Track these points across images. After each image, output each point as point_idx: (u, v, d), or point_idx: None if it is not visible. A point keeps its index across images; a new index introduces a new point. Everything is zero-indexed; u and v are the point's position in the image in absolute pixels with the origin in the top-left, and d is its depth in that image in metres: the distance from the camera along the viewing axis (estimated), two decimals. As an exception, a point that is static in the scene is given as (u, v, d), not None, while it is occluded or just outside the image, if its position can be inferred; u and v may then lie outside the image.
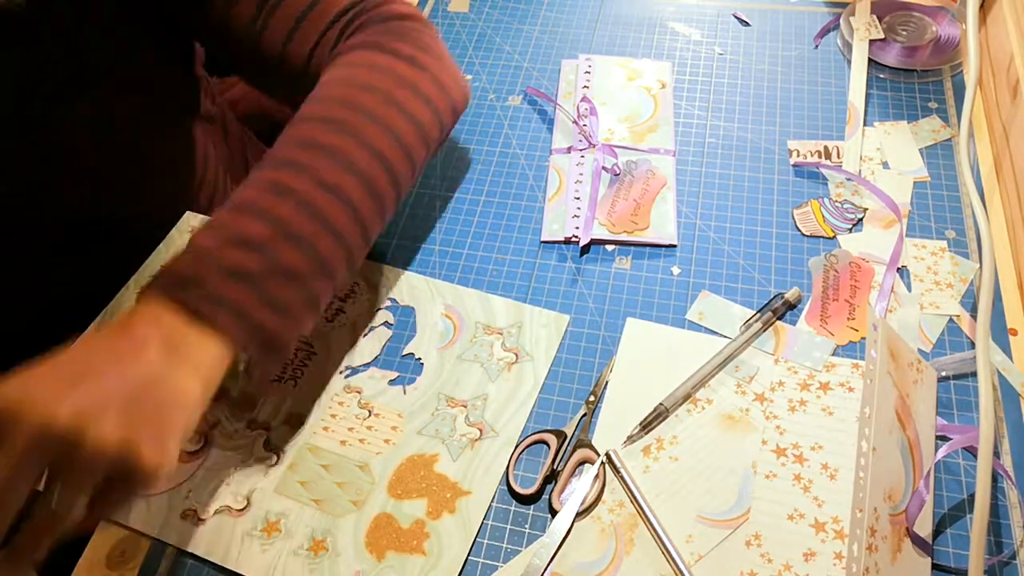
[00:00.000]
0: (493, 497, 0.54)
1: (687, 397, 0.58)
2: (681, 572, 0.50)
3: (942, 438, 0.55)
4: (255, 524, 0.53)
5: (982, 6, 0.79)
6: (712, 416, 0.57)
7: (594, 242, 0.68)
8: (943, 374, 0.58)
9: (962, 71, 0.78)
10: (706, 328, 0.62)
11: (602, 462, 0.55)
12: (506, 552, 0.53)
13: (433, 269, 0.68)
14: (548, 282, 0.66)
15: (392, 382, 0.60)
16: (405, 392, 0.59)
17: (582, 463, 0.55)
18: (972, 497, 0.50)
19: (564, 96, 0.80)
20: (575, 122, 0.77)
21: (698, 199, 0.71)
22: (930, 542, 0.50)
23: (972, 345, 0.59)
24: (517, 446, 0.56)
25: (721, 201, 0.70)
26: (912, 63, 0.79)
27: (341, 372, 0.61)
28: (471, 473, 0.55)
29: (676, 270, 0.66)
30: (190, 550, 0.53)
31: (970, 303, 0.62)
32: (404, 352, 0.62)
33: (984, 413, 0.52)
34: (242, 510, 0.54)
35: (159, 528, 0.54)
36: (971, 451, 0.54)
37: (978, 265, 0.64)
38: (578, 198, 0.71)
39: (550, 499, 0.54)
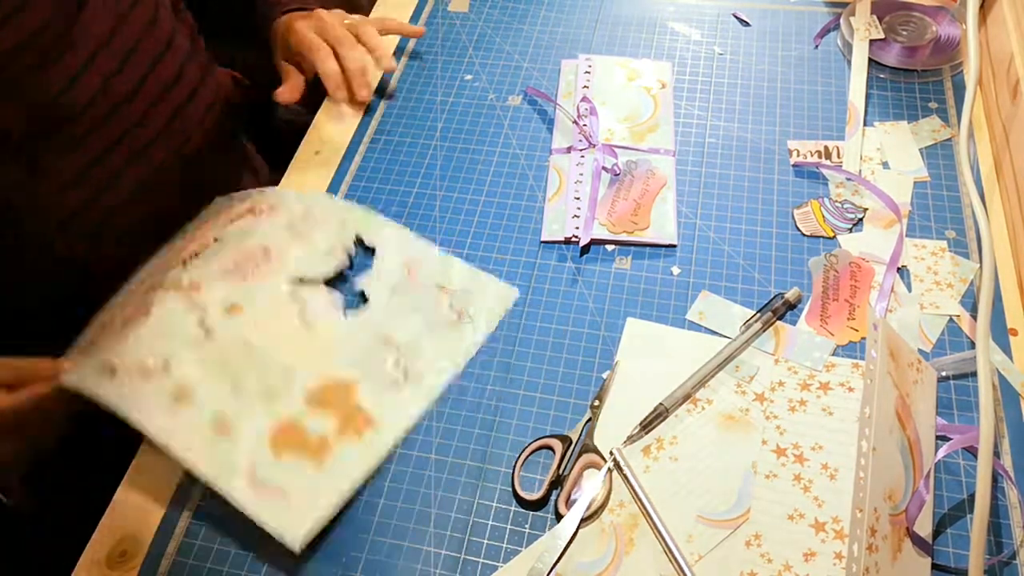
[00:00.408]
0: (398, 443, 0.56)
1: (687, 397, 0.58)
2: (683, 572, 0.50)
3: (942, 438, 0.55)
4: (169, 388, 0.54)
5: (982, 6, 0.79)
6: (712, 416, 0.57)
7: (594, 242, 0.68)
8: (943, 374, 0.58)
9: (962, 71, 0.78)
10: (706, 328, 0.62)
11: (609, 468, 0.55)
12: (506, 552, 0.53)
13: (433, 269, 0.68)
14: (548, 282, 0.66)
15: (335, 306, 0.62)
16: (345, 318, 0.61)
17: (588, 468, 0.55)
18: (972, 497, 0.50)
19: (564, 96, 0.80)
20: (575, 122, 0.77)
21: (698, 199, 0.71)
22: (930, 542, 0.50)
23: (972, 345, 0.59)
24: (522, 451, 0.56)
25: (721, 201, 0.70)
26: (912, 63, 0.79)
27: (291, 281, 0.63)
28: (385, 411, 0.56)
29: (676, 270, 0.66)
30: (101, 398, 0.54)
31: (970, 303, 0.62)
32: (356, 285, 0.64)
33: (984, 413, 0.52)
34: (159, 372, 0.55)
35: (78, 377, 0.55)
36: (971, 451, 0.54)
37: (978, 265, 0.64)
38: (578, 198, 0.71)
39: (556, 504, 0.54)
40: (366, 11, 0.94)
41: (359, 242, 0.68)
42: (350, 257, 0.66)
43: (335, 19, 0.80)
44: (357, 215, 0.69)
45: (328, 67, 0.77)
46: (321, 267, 0.64)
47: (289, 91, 0.79)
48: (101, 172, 0.64)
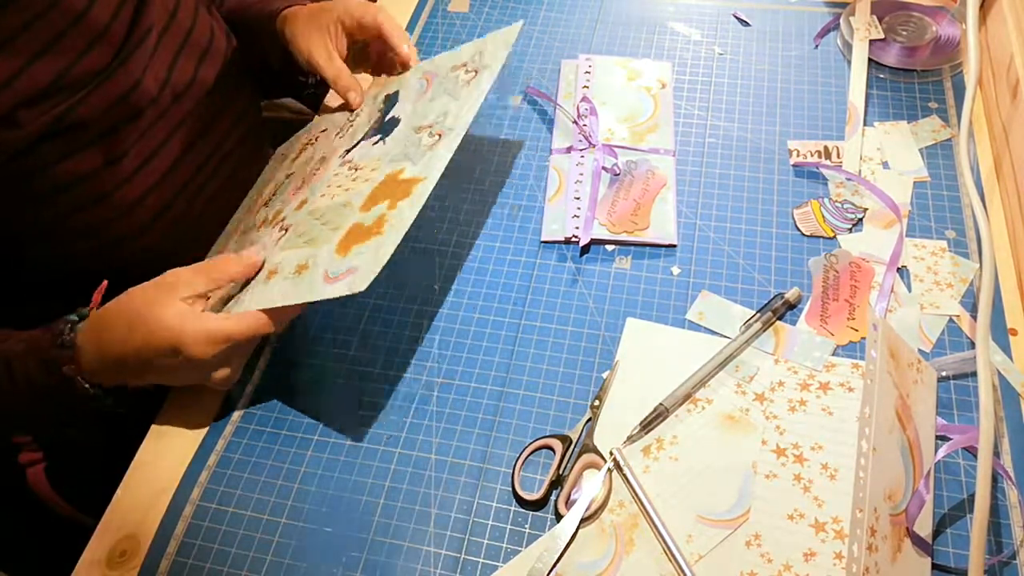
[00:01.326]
0: (442, 179, 0.57)
1: (687, 397, 0.58)
2: (683, 572, 0.50)
3: (942, 438, 0.55)
4: (262, 276, 0.60)
5: (982, 6, 0.79)
6: (712, 416, 0.57)
7: (594, 242, 0.68)
8: (943, 374, 0.58)
9: (962, 71, 0.78)
10: (706, 328, 0.62)
11: (609, 468, 0.55)
12: (506, 552, 0.53)
13: (433, 269, 0.68)
14: (548, 282, 0.66)
15: (375, 143, 0.66)
16: (385, 143, 0.65)
17: (588, 468, 0.55)
18: (972, 497, 0.50)
19: (564, 96, 0.80)
20: (575, 122, 0.77)
21: (698, 199, 0.71)
22: (930, 542, 0.50)
23: (972, 345, 0.59)
24: (522, 451, 0.56)
25: (721, 201, 0.70)
26: (912, 63, 0.79)
27: (340, 157, 0.68)
28: (426, 167, 0.59)
29: (676, 270, 0.66)
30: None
31: (970, 303, 0.62)
32: (387, 118, 0.68)
33: (984, 413, 0.52)
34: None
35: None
36: (971, 451, 0.54)
37: (978, 265, 0.64)
38: (578, 198, 0.71)
39: (556, 504, 0.54)
40: (366, 11, 0.94)
41: (388, 99, 0.72)
42: (380, 112, 0.71)
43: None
44: (378, 87, 0.74)
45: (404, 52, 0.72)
46: (360, 134, 0.69)
47: (359, 96, 0.74)
48: (159, 163, 0.68)
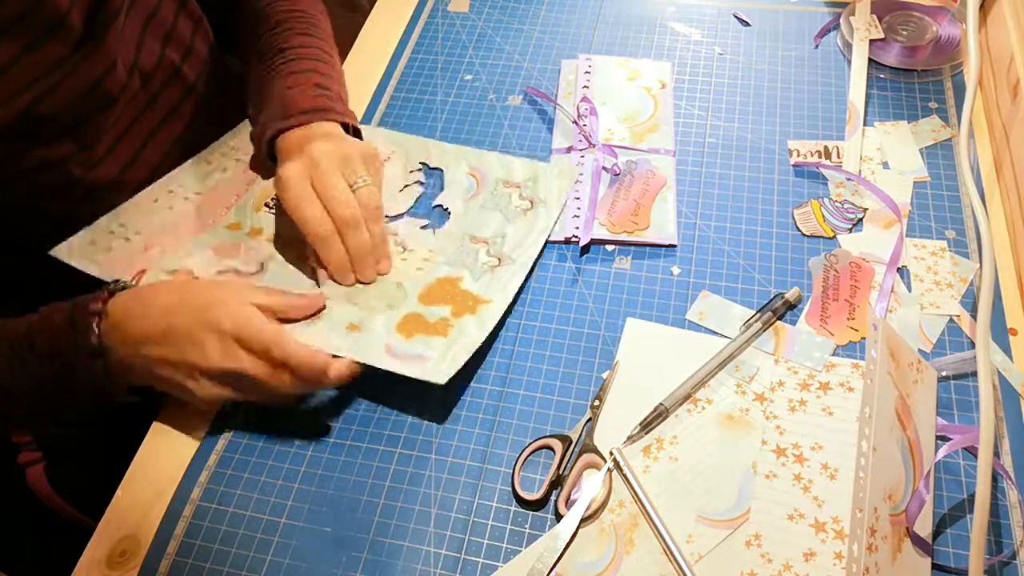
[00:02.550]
0: (508, 311, 0.62)
1: (687, 397, 0.58)
2: (683, 572, 0.50)
3: (942, 438, 0.55)
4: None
5: (982, 6, 0.79)
6: (712, 416, 0.57)
7: (594, 242, 0.68)
8: (943, 374, 0.58)
9: (962, 71, 0.78)
10: (706, 328, 0.62)
11: (609, 468, 0.55)
12: (506, 552, 0.53)
13: (433, 269, 0.68)
14: (548, 282, 0.66)
15: (423, 227, 0.69)
16: (435, 234, 0.68)
17: (588, 468, 0.55)
18: (972, 497, 0.50)
19: (564, 96, 0.80)
20: (575, 122, 0.77)
21: (698, 199, 0.71)
22: (930, 542, 0.50)
23: (972, 345, 0.59)
24: (523, 451, 0.56)
25: (721, 201, 0.70)
26: (912, 63, 0.79)
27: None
28: (491, 289, 0.63)
29: (676, 270, 0.66)
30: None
31: (970, 303, 0.62)
32: (434, 204, 0.71)
33: (984, 413, 0.52)
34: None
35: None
36: (971, 451, 0.54)
37: (978, 265, 0.64)
38: (578, 198, 0.71)
39: (556, 504, 0.54)
40: (366, 11, 0.94)
41: (424, 165, 0.74)
42: (422, 184, 0.73)
43: (333, 166, 0.64)
44: (414, 143, 0.76)
45: (335, 256, 0.63)
46: (403, 202, 0.72)
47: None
48: (128, 145, 0.70)
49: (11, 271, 0.71)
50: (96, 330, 0.55)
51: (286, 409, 0.60)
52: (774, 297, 0.62)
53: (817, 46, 0.83)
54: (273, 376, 0.55)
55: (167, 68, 0.72)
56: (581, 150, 0.75)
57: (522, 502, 0.54)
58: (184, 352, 0.55)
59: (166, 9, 0.72)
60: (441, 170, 0.74)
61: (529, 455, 0.56)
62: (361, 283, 0.64)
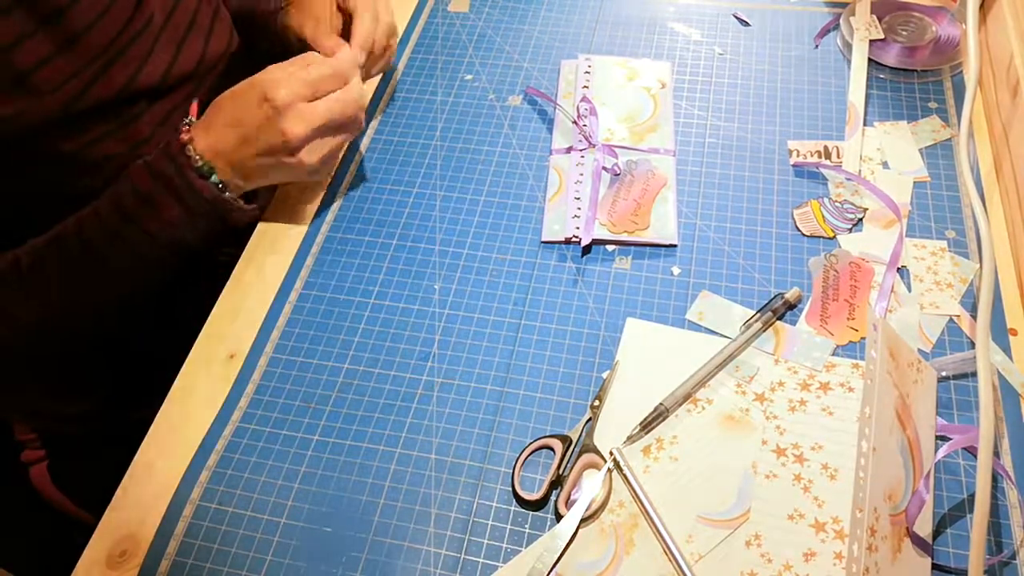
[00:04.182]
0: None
1: (687, 397, 0.58)
2: (683, 572, 0.50)
3: (942, 438, 0.55)
4: None
5: (982, 6, 0.79)
6: (712, 416, 0.57)
7: (594, 242, 0.68)
8: (943, 374, 0.58)
9: (962, 71, 0.78)
10: (706, 328, 0.62)
11: (609, 468, 0.55)
12: (506, 552, 0.53)
13: (433, 269, 0.68)
14: (548, 282, 0.66)
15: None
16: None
17: (588, 468, 0.55)
18: (972, 497, 0.50)
19: (564, 96, 0.80)
20: (575, 122, 0.77)
21: (698, 199, 0.71)
22: (930, 542, 0.50)
23: (972, 345, 0.59)
24: (523, 451, 0.56)
25: (721, 201, 0.70)
26: (912, 63, 0.79)
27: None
28: None
29: (676, 270, 0.66)
30: None
31: (970, 303, 0.62)
32: None
33: (984, 413, 0.52)
34: None
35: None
36: (971, 451, 0.54)
37: (978, 265, 0.64)
38: (578, 198, 0.71)
39: (556, 504, 0.54)
40: (366, 11, 0.94)
41: None
42: None
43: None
44: None
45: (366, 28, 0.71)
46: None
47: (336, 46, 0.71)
48: (171, 125, 0.73)
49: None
50: (196, 156, 0.61)
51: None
52: (774, 297, 0.62)
53: (817, 46, 0.83)
54: (349, 89, 0.63)
55: (208, 64, 0.76)
56: (581, 150, 0.75)
57: (522, 502, 0.54)
58: (270, 141, 0.61)
59: (203, 14, 0.76)
60: None
61: (529, 455, 0.56)
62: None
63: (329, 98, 0.63)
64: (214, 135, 0.62)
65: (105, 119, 0.67)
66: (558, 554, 0.51)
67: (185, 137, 0.62)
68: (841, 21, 0.83)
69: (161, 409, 0.62)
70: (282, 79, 0.61)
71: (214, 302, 0.67)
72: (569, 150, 0.75)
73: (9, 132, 0.60)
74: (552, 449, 0.56)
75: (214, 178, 0.62)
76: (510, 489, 0.55)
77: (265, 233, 0.72)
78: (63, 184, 0.67)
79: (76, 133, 0.65)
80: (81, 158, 0.66)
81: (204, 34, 0.75)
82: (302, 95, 0.62)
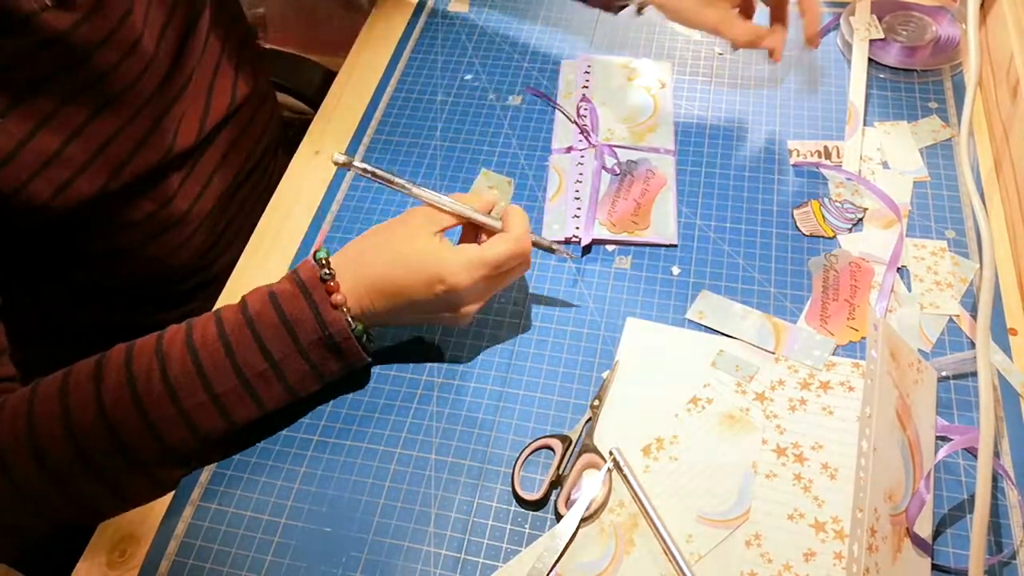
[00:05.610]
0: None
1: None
2: (683, 572, 0.50)
3: (942, 438, 0.55)
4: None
5: (982, 6, 0.79)
6: (712, 416, 0.57)
7: (594, 242, 0.68)
8: (943, 374, 0.58)
9: (962, 71, 0.78)
10: (706, 327, 0.62)
11: (609, 468, 0.55)
12: (506, 552, 0.53)
13: (433, 269, 0.68)
14: (548, 282, 0.66)
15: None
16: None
17: (587, 468, 0.55)
18: (972, 497, 0.50)
19: (564, 96, 0.80)
20: (575, 122, 0.77)
21: (698, 199, 0.71)
22: (930, 542, 0.50)
23: (972, 345, 0.59)
24: (523, 451, 0.56)
25: (721, 201, 0.70)
26: (912, 63, 0.79)
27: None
28: None
29: (676, 270, 0.66)
30: None
31: (970, 303, 0.62)
32: None
33: (984, 413, 0.52)
34: None
35: None
36: (971, 451, 0.54)
37: (978, 265, 0.64)
38: (578, 198, 0.71)
39: (556, 504, 0.54)
40: (366, 11, 0.94)
41: None
42: None
43: None
44: None
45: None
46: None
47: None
48: (197, 181, 0.74)
49: (69, 311, 0.75)
50: (354, 324, 0.56)
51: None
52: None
53: (817, 46, 0.83)
54: (514, 270, 0.58)
55: (234, 108, 0.77)
56: (581, 150, 0.75)
57: (522, 502, 0.54)
58: (412, 311, 0.57)
59: (227, 62, 0.76)
60: None
61: (529, 455, 0.56)
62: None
63: (512, 272, 0.58)
64: (368, 300, 0.56)
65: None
66: (558, 554, 0.51)
67: (345, 320, 0.55)
68: (841, 21, 0.83)
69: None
70: (459, 265, 0.55)
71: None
72: (569, 150, 0.75)
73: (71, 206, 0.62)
74: (552, 449, 0.56)
75: (358, 329, 0.57)
76: (510, 489, 0.55)
77: (265, 233, 0.73)
78: (88, 247, 0.68)
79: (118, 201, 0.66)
80: (117, 222, 0.67)
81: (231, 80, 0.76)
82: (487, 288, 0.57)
